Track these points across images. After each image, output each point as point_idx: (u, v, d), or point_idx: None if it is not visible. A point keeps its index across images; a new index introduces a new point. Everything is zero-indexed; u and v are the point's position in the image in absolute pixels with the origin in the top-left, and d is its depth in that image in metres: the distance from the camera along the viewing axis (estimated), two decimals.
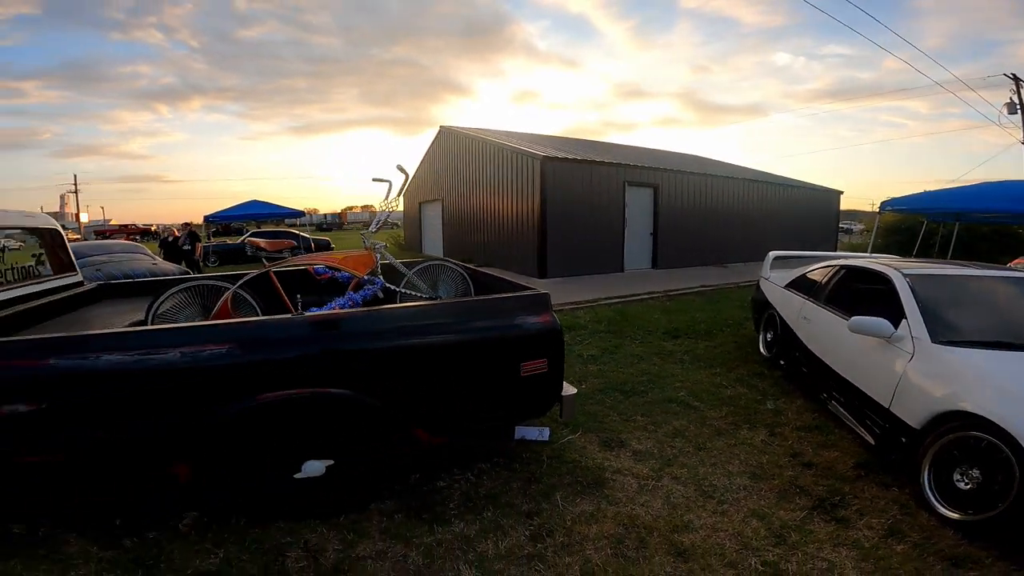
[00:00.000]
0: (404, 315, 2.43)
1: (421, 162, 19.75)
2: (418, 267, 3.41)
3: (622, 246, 12.17)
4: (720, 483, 2.86)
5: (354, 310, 2.43)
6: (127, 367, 1.97)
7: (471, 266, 3.78)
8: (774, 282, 5.43)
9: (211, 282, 2.86)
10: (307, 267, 3.26)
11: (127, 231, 38.78)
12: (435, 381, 2.43)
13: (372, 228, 3.28)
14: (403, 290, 3.20)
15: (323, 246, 18.83)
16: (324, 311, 2.55)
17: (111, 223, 49.88)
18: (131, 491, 2.28)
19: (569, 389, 2.83)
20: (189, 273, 9.26)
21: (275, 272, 2.95)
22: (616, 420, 3.70)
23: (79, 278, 3.54)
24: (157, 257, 9.53)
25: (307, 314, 2.29)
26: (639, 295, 9.12)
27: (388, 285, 3.07)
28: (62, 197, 51.31)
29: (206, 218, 17.00)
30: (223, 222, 18.84)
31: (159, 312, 2.70)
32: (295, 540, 2.26)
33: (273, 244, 3.10)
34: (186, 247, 11.61)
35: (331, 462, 2.32)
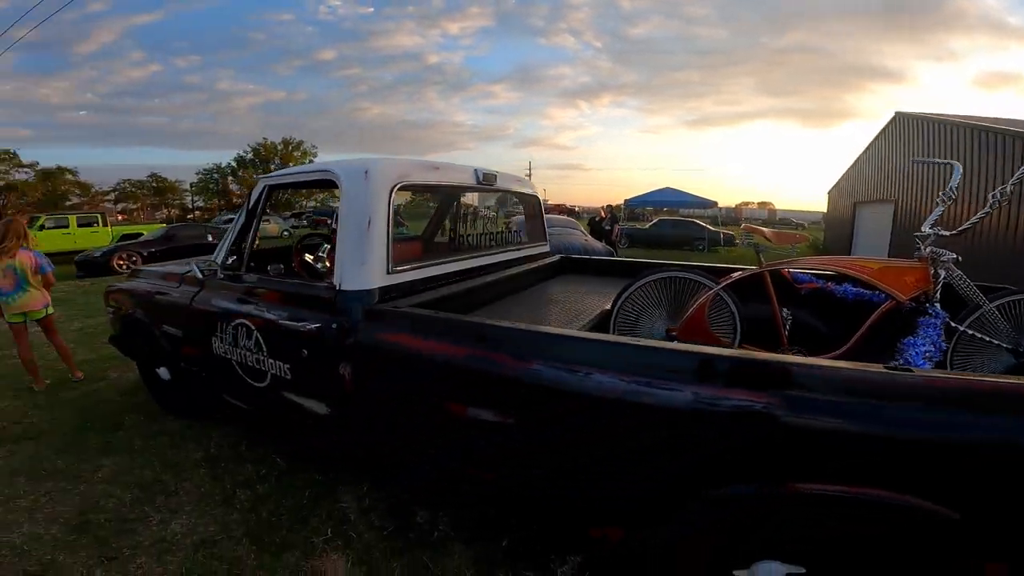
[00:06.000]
0: None
1: (858, 158, 16.57)
2: (1003, 298, 1.97)
3: None
4: None
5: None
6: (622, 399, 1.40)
7: None
8: None
9: (689, 275, 2.28)
10: (806, 272, 2.34)
11: (559, 209, 48.02)
12: None
13: (928, 226, 1.95)
14: (967, 329, 1.92)
15: (728, 241, 18.14)
16: (923, 366, 1.49)
17: (548, 202, 62.97)
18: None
19: None
20: (613, 252, 10.25)
21: (762, 273, 2.13)
22: None
23: (547, 248, 3.33)
24: (588, 235, 10.99)
25: (917, 372, 1.28)
26: None
27: (949, 322, 1.89)
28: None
29: (627, 202, 18.73)
30: (641, 206, 20.26)
31: (622, 305, 2.27)
32: None
33: (781, 236, 2.36)
34: (606, 228, 13.15)
35: (803, 570, 1.38)
